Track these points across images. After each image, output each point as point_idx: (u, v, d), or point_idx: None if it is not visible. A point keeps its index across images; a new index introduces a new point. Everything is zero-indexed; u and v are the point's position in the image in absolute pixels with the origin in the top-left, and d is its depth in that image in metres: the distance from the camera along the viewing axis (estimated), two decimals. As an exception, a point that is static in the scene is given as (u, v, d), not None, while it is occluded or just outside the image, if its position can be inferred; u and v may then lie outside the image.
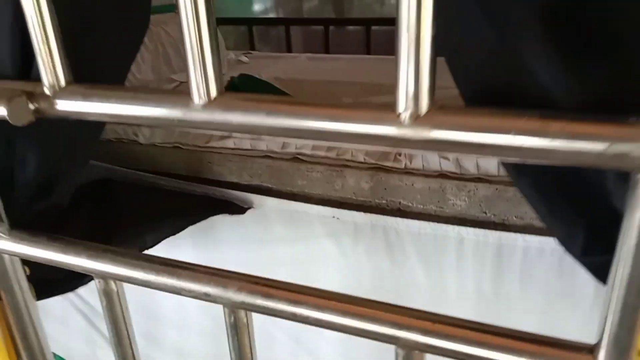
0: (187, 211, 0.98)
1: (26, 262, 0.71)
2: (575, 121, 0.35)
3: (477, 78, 0.45)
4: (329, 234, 0.97)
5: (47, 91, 0.53)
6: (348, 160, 0.92)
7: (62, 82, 0.53)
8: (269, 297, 0.52)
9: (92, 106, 0.52)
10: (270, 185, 0.98)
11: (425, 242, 0.89)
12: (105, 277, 0.61)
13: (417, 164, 0.87)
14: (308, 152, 0.95)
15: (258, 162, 0.98)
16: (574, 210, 0.43)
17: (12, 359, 0.75)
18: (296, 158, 0.96)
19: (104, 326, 1.34)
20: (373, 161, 0.90)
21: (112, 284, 0.61)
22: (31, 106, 0.53)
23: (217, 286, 0.54)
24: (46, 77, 0.52)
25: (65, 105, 0.53)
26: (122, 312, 0.63)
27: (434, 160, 0.86)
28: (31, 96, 0.53)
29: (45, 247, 0.63)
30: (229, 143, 1.01)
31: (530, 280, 0.84)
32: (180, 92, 0.48)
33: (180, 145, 1.05)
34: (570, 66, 0.39)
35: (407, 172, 0.88)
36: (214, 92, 0.46)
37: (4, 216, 0.63)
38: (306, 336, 1.10)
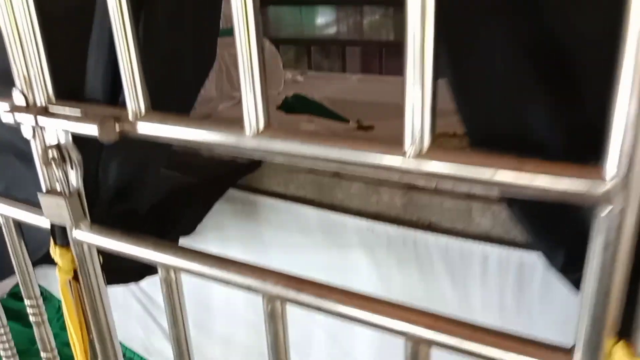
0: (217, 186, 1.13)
1: (100, 252, 0.85)
2: (545, 164, 0.43)
3: (480, 120, 0.54)
4: (363, 245, 1.06)
5: (130, 117, 0.65)
6: (384, 179, 1.01)
7: (143, 110, 0.65)
8: (300, 291, 0.62)
9: (165, 130, 0.64)
10: (312, 197, 1.08)
11: (453, 257, 0.97)
12: (167, 267, 0.72)
13: (447, 184, 0.95)
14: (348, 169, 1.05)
15: (303, 176, 1.08)
16: (557, 233, 0.50)
17: (83, 333, 0.88)
18: (337, 174, 1.06)
19: (160, 316, 1.47)
20: (406, 180, 0.99)
21: (172, 274, 0.73)
22: (117, 128, 0.66)
23: (258, 279, 0.65)
24: (130, 105, 0.65)
25: (144, 129, 0.65)
26: (179, 298, 0.74)
27: (462, 182, 0.94)
28: (117, 119, 0.66)
29: (119, 240, 0.76)
30: (279, 158, 1.12)
31: (549, 298, 0.90)
32: (234, 123, 0.59)
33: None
34: (556, 113, 0.47)
35: (437, 192, 0.96)
36: (261, 125, 0.57)
37: (87, 213, 0.75)
38: (342, 336, 1.19)
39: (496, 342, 0.52)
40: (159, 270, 0.73)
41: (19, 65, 0.72)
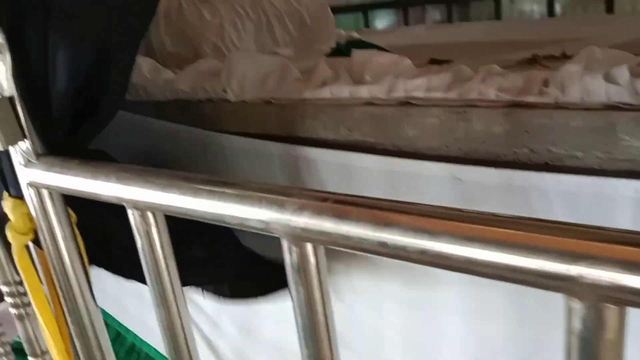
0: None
1: (74, 208, 0.60)
2: None
3: None
4: (446, 201, 0.75)
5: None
6: (475, 100, 0.70)
7: None
8: (344, 218, 0.33)
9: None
10: (371, 140, 0.79)
11: (585, 206, 0.64)
12: (139, 207, 0.46)
13: (573, 95, 0.63)
14: (421, 94, 0.75)
15: (358, 110, 0.79)
16: None
17: (60, 322, 0.63)
18: (406, 102, 0.76)
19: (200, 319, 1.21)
20: (509, 97, 0.68)
21: (150, 217, 0.46)
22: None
23: (270, 206, 0.36)
24: None
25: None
26: (164, 256, 0.47)
27: (597, 88, 0.62)
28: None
29: (75, 173, 0.50)
30: (325, 92, 0.83)
31: None
32: None
33: (272, 100, 0.90)
34: None
35: (559, 107, 0.64)
36: None
37: (27, 130, 0.50)
38: (425, 340, 0.87)
39: None
40: (129, 213, 0.47)
41: None
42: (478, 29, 1.56)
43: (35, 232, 0.59)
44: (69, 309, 0.62)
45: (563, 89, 0.64)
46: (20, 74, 0.48)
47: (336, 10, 2.39)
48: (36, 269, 0.62)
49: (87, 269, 0.62)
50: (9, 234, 0.58)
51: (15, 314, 0.78)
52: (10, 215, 0.58)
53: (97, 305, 0.64)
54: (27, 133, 0.50)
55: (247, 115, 0.93)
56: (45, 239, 0.58)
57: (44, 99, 0.52)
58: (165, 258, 0.47)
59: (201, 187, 0.41)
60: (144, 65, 1.11)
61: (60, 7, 0.47)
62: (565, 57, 0.90)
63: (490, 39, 1.24)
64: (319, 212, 0.34)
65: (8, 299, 0.77)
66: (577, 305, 0.26)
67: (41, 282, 0.63)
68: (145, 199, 0.44)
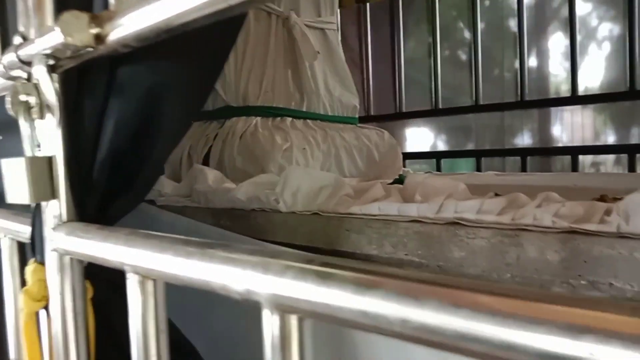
0: None
1: (96, 287, 0.59)
2: None
3: None
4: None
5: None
6: (529, 225, 0.65)
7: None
8: (339, 283, 0.29)
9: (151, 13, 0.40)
10: (416, 259, 0.73)
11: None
12: (137, 270, 0.44)
13: (638, 224, 0.56)
14: (472, 216, 0.70)
15: (404, 227, 0.75)
16: None
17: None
18: (455, 222, 0.71)
19: None
20: (567, 224, 0.61)
21: (150, 285, 0.44)
22: (92, 31, 0.44)
23: (255, 268, 0.33)
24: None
25: (125, 24, 0.42)
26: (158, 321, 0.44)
27: (668, 217, 0.55)
28: (94, 18, 0.44)
29: (91, 237, 0.49)
30: (373, 208, 0.81)
31: None
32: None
33: (320, 213, 0.89)
34: None
35: (622, 236, 0.57)
36: None
37: (67, 201, 0.51)
38: None
39: None
40: (127, 279, 0.44)
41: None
42: (550, 177, 1.51)
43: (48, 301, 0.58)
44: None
45: (627, 218, 0.58)
46: (69, 135, 0.51)
47: (410, 155, 2.47)
48: (41, 341, 0.60)
49: (92, 348, 0.59)
50: (23, 299, 0.57)
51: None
52: (29, 281, 0.58)
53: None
54: (59, 194, 0.51)
55: (296, 227, 0.92)
56: (54, 309, 0.56)
57: (87, 163, 0.53)
58: (158, 333, 0.44)
59: (194, 249, 0.38)
60: (209, 175, 1.16)
61: (125, 68, 0.50)
62: None
63: (560, 184, 1.19)
64: (302, 274, 0.30)
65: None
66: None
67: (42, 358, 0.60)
68: (144, 264, 0.42)
